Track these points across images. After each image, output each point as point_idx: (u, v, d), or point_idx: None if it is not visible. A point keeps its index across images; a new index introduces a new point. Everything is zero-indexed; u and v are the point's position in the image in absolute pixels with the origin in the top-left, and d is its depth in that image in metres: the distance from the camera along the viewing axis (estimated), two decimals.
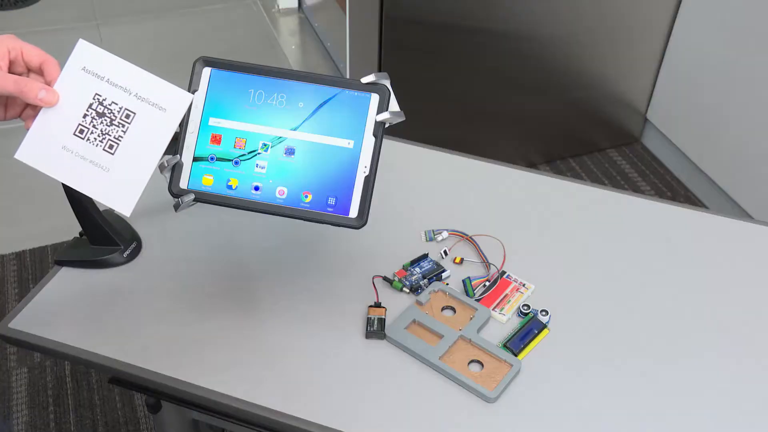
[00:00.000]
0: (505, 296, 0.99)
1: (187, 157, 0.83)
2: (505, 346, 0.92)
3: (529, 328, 0.94)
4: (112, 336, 0.93)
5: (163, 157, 0.82)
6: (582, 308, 0.98)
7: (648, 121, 2.42)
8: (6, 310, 1.88)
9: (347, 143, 0.83)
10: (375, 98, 0.82)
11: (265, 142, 0.84)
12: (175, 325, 0.94)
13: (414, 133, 1.34)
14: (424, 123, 2.01)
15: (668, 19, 2.18)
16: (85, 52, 0.81)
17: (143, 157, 0.80)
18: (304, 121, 0.83)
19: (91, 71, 0.80)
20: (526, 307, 0.97)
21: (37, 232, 2.09)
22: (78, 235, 1.04)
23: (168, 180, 0.83)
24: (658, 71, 2.29)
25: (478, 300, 0.98)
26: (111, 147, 0.80)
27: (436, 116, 2.12)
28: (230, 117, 0.84)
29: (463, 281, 1.00)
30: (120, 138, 0.80)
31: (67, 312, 0.95)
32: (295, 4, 3.09)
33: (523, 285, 1.01)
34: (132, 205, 0.81)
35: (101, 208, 1.02)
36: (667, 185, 2.32)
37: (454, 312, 0.96)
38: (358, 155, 0.83)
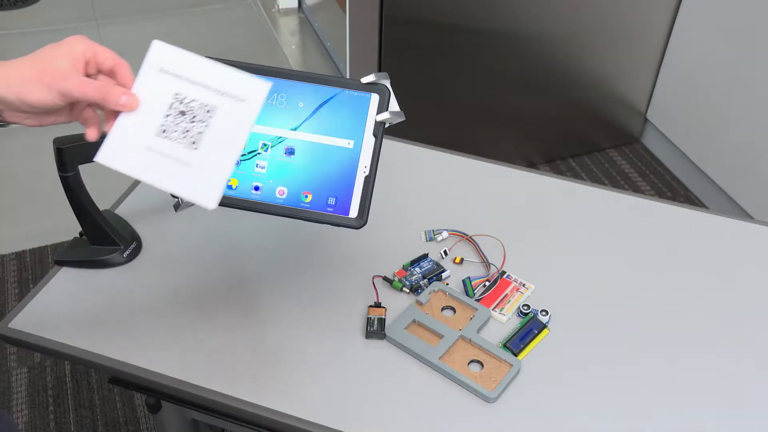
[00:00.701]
0: (505, 296, 0.99)
1: None
2: (505, 346, 0.92)
3: (529, 328, 0.94)
4: (112, 336, 0.93)
5: None
6: (582, 308, 0.98)
7: (648, 121, 2.42)
8: (6, 310, 1.88)
9: (347, 143, 0.83)
10: (375, 98, 0.82)
11: (265, 142, 0.84)
12: (175, 325, 0.94)
13: (414, 133, 1.34)
14: (424, 123, 2.01)
15: (668, 19, 2.18)
16: (160, 52, 0.80)
17: (226, 150, 0.79)
18: (304, 121, 0.83)
19: (168, 71, 0.80)
20: (526, 307, 0.97)
21: (37, 232, 2.09)
22: (78, 235, 1.04)
23: None
24: (658, 71, 2.29)
25: (478, 300, 0.98)
26: (194, 143, 0.79)
27: (436, 116, 2.12)
28: None
29: (463, 281, 1.00)
30: (202, 133, 0.79)
31: (67, 312, 0.95)
32: (295, 4, 3.09)
33: (523, 285, 1.01)
34: (218, 198, 0.78)
35: (101, 209, 1.02)
36: (667, 185, 2.32)
37: (454, 312, 0.96)
38: (358, 155, 0.83)
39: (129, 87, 0.79)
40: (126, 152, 0.79)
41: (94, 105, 0.79)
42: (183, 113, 0.79)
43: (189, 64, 0.80)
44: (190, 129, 0.79)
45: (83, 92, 0.75)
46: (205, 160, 0.79)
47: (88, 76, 0.78)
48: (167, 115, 0.79)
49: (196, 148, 0.79)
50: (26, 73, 0.74)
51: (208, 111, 0.79)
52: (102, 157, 0.79)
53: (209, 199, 0.78)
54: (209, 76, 0.79)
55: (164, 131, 0.79)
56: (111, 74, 0.79)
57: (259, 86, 0.79)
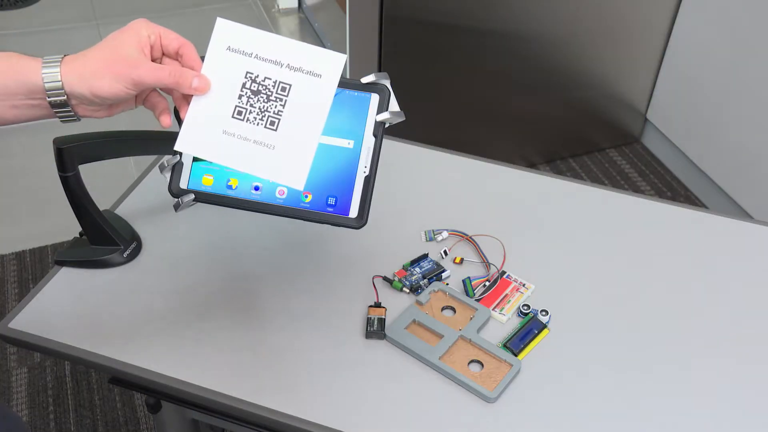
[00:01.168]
0: (505, 296, 0.99)
1: (187, 157, 0.83)
2: (505, 346, 0.92)
3: (529, 328, 0.94)
4: (112, 336, 0.92)
5: (163, 157, 0.82)
6: (582, 308, 0.98)
7: (648, 121, 2.42)
8: (6, 310, 1.88)
9: (347, 143, 0.83)
10: (375, 98, 0.82)
11: None
12: (175, 325, 0.94)
13: (414, 133, 1.34)
14: (424, 123, 2.02)
15: (668, 19, 2.18)
16: (225, 30, 0.78)
17: (307, 127, 0.77)
18: None
19: (236, 50, 0.77)
20: (526, 307, 0.97)
21: (37, 232, 2.09)
22: (78, 235, 1.04)
23: (168, 180, 0.83)
24: (658, 71, 2.29)
25: (478, 300, 0.98)
26: (272, 123, 0.77)
27: (436, 116, 2.12)
28: None
29: (463, 281, 1.00)
30: (280, 112, 0.77)
31: (67, 312, 0.95)
32: (295, 4, 3.09)
33: (523, 285, 1.01)
34: (304, 177, 0.77)
35: (101, 209, 1.02)
36: (667, 185, 2.32)
37: (454, 312, 0.96)
38: (358, 155, 0.83)
39: (197, 69, 0.77)
40: (205, 137, 0.77)
41: (162, 90, 0.78)
42: (257, 93, 0.77)
43: (257, 40, 0.77)
44: (267, 109, 0.77)
45: (157, 78, 0.74)
46: (287, 140, 0.77)
47: (153, 60, 0.77)
48: (241, 96, 0.77)
49: (275, 129, 0.77)
50: (96, 66, 0.73)
51: (283, 88, 0.77)
52: (181, 144, 0.77)
53: (297, 181, 0.77)
54: (280, 52, 0.77)
55: (240, 113, 0.77)
56: (176, 56, 0.78)
57: (334, 58, 0.77)
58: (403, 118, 0.82)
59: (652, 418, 0.86)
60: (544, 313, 0.96)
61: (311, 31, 2.98)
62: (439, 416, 0.85)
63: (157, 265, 1.02)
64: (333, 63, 0.77)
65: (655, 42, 2.23)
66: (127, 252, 1.02)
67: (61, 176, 0.95)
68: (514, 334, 0.94)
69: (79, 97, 0.74)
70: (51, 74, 0.72)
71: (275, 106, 0.77)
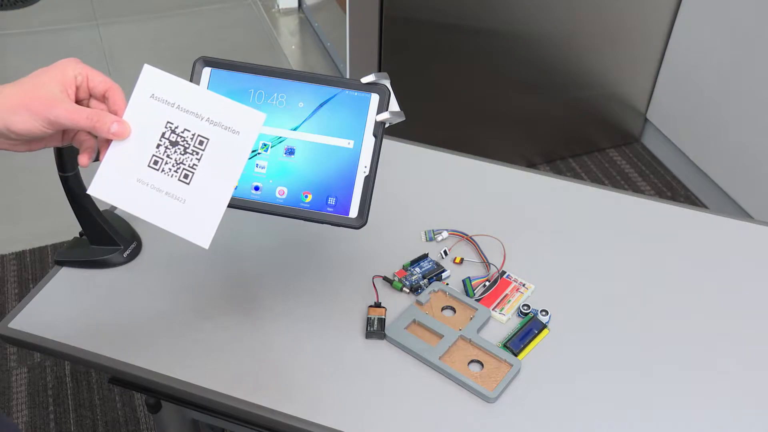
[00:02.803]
0: (505, 296, 0.99)
1: None
2: (505, 346, 0.92)
3: (529, 328, 0.94)
4: (112, 336, 0.93)
5: None
6: (582, 308, 0.98)
7: (648, 121, 2.42)
8: (6, 310, 1.88)
9: (347, 143, 0.83)
10: (375, 98, 0.82)
11: (265, 142, 0.84)
12: (175, 325, 0.94)
13: (414, 133, 1.34)
14: (424, 123, 2.01)
15: (668, 19, 2.18)
16: (151, 77, 0.77)
17: (219, 185, 0.77)
18: (304, 121, 0.83)
19: (160, 98, 0.77)
20: (526, 307, 0.97)
21: (37, 232, 2.09)
22: (78, 235, 1.04)
23: None
24: (658, 71, 2.29)
25: (478, 300, 0.98)
26: (186, 177, 0.76)
27: (436, 116, 2.12)
28: None
29: (463, 281, 1.00)
30: (195, 166, 0.76)
31: (67, 312, 0.95)
32: (295, 4, 3.09)
33: (523, 285, 1.01)
34: (211, 236, 0.77)
35: (101, 209, 1.02)
36: (667, 185, 2.32)
37: (454, 312, 0.96)
38: (358, 155, 0.83)
39: (121, 114, 0.76)
40: (118, 184, 0.77)
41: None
42: (175, 143, 0.77)
43: (181, 91, 0.77)
44: (183, 161, 0.77)
45: (73, 120, 0.73)
46: (198, 196, 0.77)
47: (79, 101, 0.76)
48: (159, 145, 0.77)
49: (188, 183, 0.77)
50: (14, 101, 0.72)
51: (200, 142, 0.77)
52: (94, 189, 0.77)
53: (203, 239, 0.77)
54: (202, 105, 0.77)
55: (156, 162, 0.77)
56: (103, 99, 0.77)
57: (254, 117, 0.77)
58: (403, 118, 0.82)
59: (652, 418, 0.86)
60: (544, 313, 0.96)
61: (311, 31, 2.98)
62: (439, 416, 0.85)
63: (157, 265, 1.02)
64: (252, 121, 0.77)
65: (655, 42, 2.23)
66: (127, 252, 1.02)
67: (61, 176, 0.95)
68: (514, 334, 0.94)
69: None
70: None
71: (191, 159, 0.77)
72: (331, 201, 0.83)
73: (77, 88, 0.75)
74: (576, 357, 0.92)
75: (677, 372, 0.91)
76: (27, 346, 0.93)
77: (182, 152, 0.77)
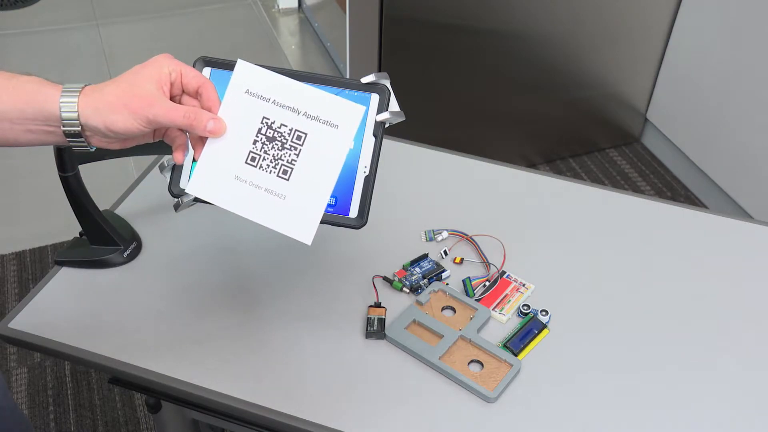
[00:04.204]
0: (505, 296, 0.99)
1: (187, 157, 0.83)
2: (505, 346, 0.92)
3: (529, 328, 0.94)
4: (112, 336, 0.93)
5: (163, 157, 0.82)
6: (582, 308, 0.98)
7: (648, 121, 2.42)
8: (6, 310, 1.88)
9: None
10: (375, 98, 0.82)
11: None
12: (175, 325, 0.94)
13: (414, 133, 1.34)
14: (424, 123, 2.01)
15: (668, 19, 2.18)
16: (245, 73, 0.76)
17: (319, 180, 0.75)
18: None
19: (255, 93, 0.76)
20: (526, 307, 0.97)
21: (37, 232, 2.09)
22: (78, 235, 1.04)
23: (168, 180, 0.83)
24: (658, 71, 2.29)
25: (478, 300, 0.98)
26: (285, 172, 0.75)
27: (436, 116, 2.12)
28: None
29: (463, 281, 1.00)
30: (293, 162, 0.75)
31: (67, 312, 0.95)
32: (295, 4, 3.10)
33: (523, 285, 1.01)
34: (313, 232, 0.75)
35: (101, 209, 1.02)
36: (667, 185, 2.32)
37: (454, 312, 0.96)
38: (358, 155, 0.83)
39: (215, 110, 0.76)
40: (216, 182, 0.75)
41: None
42: (272, 139, 0.75)
43: (277, 86, 0.76)
44: (281, 157, 0.75)
45: (170, 119, 0.73)
46: (298, 192, 0.75)
47: (172, 98, 0.76)
48: (255, 142, 0.75)
49: (287, 179, 0.75)
50: (113, 100, 0.72)
51: (298, 137, 0.75)
52: (193, 188, 0.76)
53: (305, 235, 0.75)
54: (298, 99, 0.76)
55: (253, 159, 0.75)
56: (195, 95, 0.77)
57: (353, 110, 0.75)
58: (403, 118, 0.82)
59: (652, 418, 0.86)
60: (544, 313, 0.96)
61: (311, 31, 2.98)
62: (439, 416, 0.85)
63: (157, 265, 1.02)
64: (351, 114, 0.75)
65: (655, 42, 2.23)
66: (127, 252, 1.02)
67: (61, 176, 0.95)
68: (514, 334, 0.94)
69: (94, 130, 0.73)
70: (68, 104, 0.72)
71: (289, 155, 0.75)
72: (331, 201, 0.83)
73: (171, 85, 0.75)
74: (576, 357, 0.92)
75: (677, 371, 0.91)
76: (27, 346, 0.93)
77: (280, 148, 0.76)
